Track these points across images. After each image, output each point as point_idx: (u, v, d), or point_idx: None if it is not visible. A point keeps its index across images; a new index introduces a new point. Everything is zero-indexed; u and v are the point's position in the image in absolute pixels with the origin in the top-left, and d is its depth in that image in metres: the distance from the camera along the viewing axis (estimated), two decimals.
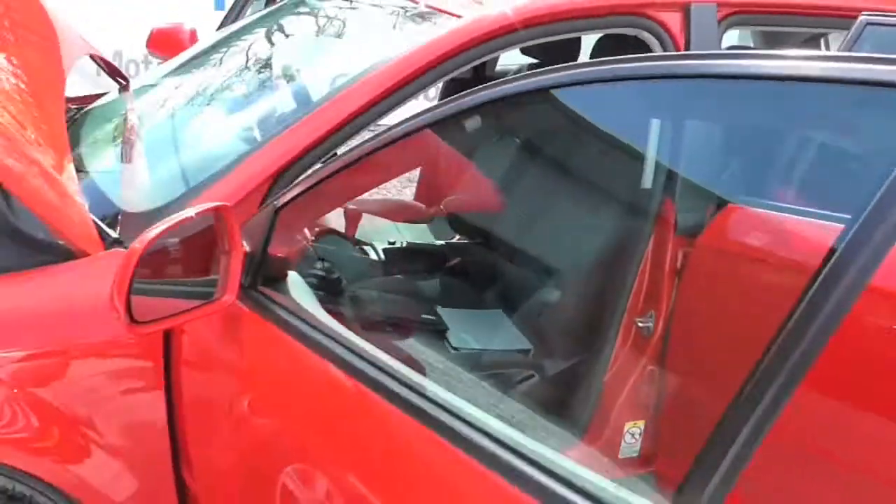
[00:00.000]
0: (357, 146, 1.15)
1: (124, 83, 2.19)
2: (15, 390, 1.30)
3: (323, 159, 1.39)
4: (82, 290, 1.31)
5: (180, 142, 1.66)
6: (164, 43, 2.57)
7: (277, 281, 1.22)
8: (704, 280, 1.48)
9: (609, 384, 1.55)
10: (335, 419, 1.05)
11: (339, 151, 1.36)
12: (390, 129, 1.12)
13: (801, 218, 1.39)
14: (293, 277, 1.24)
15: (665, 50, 1.59)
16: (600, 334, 1.57)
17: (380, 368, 1.00)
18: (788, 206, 1.38)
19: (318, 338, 1.08)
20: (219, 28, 2.72)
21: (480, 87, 1.07)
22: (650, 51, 1.65)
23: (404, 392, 0.94)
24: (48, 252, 1.38)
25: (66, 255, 1.37)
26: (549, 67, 1.09)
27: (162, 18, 2.78)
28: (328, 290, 1.32)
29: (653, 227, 1.50)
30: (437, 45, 1.45)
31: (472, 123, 1.20)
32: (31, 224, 1.42)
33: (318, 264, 1.31)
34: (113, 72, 2.20)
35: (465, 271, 1.86)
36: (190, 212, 1.09)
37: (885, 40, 1.51)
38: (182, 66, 2.00)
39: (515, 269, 1.74)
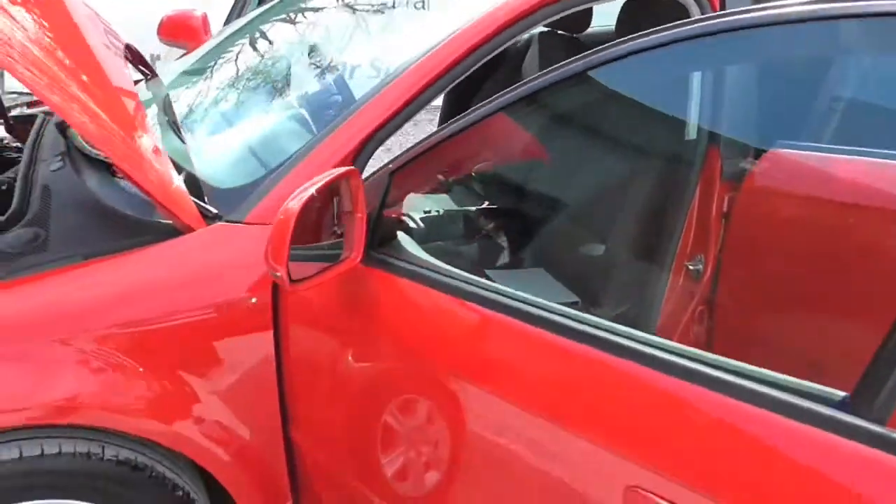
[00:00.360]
0: (468, 113, 1.26)
1: (150, 75, 2.25)
2: (133, 359, 1.38)
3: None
4: (202, 262, 1.41)
5: (262, 118, 1.75)
6: (177, 30, 2.61)
7: (391, 240, 1.33)
8: (750, 222, 1.64)
9: (662, 327, 1.69)
10: (484, 352, 1.17)
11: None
12: (500, 96, 1.23)
13: (838, 157, 1.55)
14: (402, 236, 1.35)
15: (702, 9, 1.73)
16: (651, 280, 1.72)
17: (517, 299, 1.12)
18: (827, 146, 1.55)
19: (448, 281, 1.19)
20: (227, 21, 2.77)
21: (586, 54, 1.19)
22: (680, 11, 1.78)
23: (552, 317, 1.07)
24: (147, 232, 1.46)
25: (167, 232, 1.45)
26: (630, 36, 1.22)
27: (166, 6, 2.81)
28: (436, 244, 1.43)
29: (699, 176, 1.65)
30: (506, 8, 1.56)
31: None
32: (131, 204, 1.50)
33: (424, 223, 1.41)
34: (139, 61, 2.25)
35: (506, 231, 1.97)
36: (327, 176, 1.19)
37: None
38: (233, 43, 2.08)
39: (563, 225, 1.87)
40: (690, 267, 1.70)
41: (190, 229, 1.43)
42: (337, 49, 1.90)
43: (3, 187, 1.75)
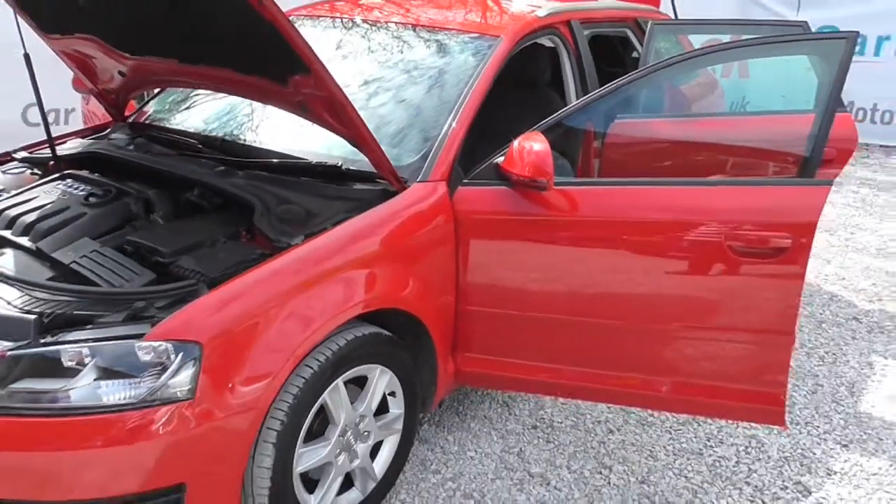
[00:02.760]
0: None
1: None
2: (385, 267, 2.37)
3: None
4: (415, 203, 2.45)
5: (411, 117, 2.73)
6: None
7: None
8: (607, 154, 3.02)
9: None
10: None
11: None
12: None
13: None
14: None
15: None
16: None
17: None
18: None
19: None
20: None
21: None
22: None
23: None
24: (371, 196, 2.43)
25: (383, 195, 2.43)
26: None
27: None
28: None
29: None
30: None
31: None
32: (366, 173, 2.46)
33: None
34: None
35: None
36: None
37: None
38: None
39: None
40: None
41: (402, 188, 2.43)
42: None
43: (97, 196, 2.52)
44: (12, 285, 2.09)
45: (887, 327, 4.04)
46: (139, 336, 1.92)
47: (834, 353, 3.73)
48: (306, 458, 2.22)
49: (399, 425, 2.51)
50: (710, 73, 4.65)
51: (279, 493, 2.14)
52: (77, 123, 6.02)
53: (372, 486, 2.46)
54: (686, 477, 2.77)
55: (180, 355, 1.91)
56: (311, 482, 2.31)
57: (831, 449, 2.97)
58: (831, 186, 2.28)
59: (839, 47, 2.36)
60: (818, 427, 3.11)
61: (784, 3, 8.83)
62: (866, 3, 8.53)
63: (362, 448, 2.38)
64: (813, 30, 8.98)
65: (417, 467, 2.73)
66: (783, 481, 2.77)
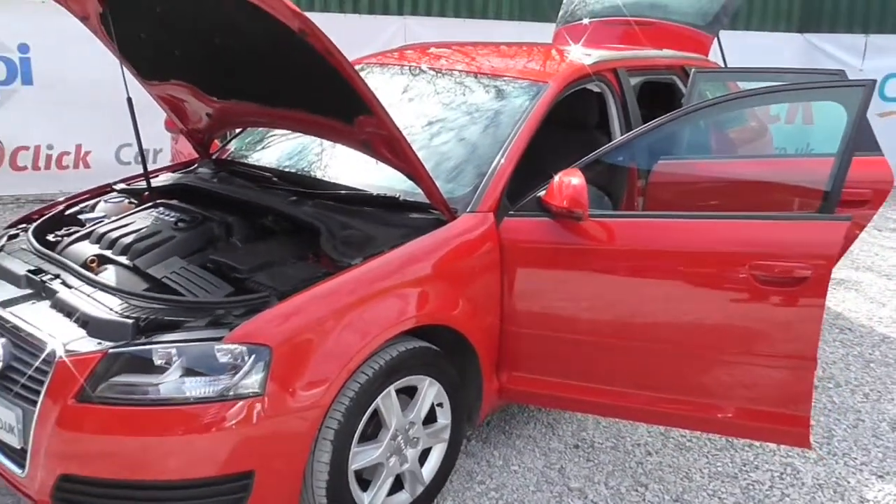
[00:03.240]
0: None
1: None
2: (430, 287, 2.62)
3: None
4: (464, 232, 2.70)
5: (460, 154, 3.01)
6: None
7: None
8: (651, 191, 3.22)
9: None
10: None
11: None
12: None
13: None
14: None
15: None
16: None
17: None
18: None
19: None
20: None
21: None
22: None
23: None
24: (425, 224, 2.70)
25: (436, 223, 2.69)
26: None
27: None
28: None
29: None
30: None
31: None
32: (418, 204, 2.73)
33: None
34: None
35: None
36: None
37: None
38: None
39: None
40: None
41: (452, 218, 2.70)
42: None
43: (185, 221, 2.85)
44: (114, 295, 2.42)
45: None
46: (219, 339, 2.21)
47: (879, 391, 3.81)
48: (360, 457, 2.46)
49: (446, 435, 2.73)
50: (760, 120, 4.82)
51: (335, 487, 2.38)
52: (162, 161, 6.53)
53: (420, 489, 2.68)
54: (719, 498, 2.91)
55: (253, 357, 2.20)
56: (364, 482, 2.55)
57: (867, 479, 3.06)
58: (849, 221, 2.44)
59: (857, 94, 2.54)
60: (855, 458, 3.20)
61: (850, 52, 8.91)
62: None
63: (412, 453, 2.62)
64: (879, 79, 9.02)
65: (464, 478, 2.94)
66: None
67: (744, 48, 8.34)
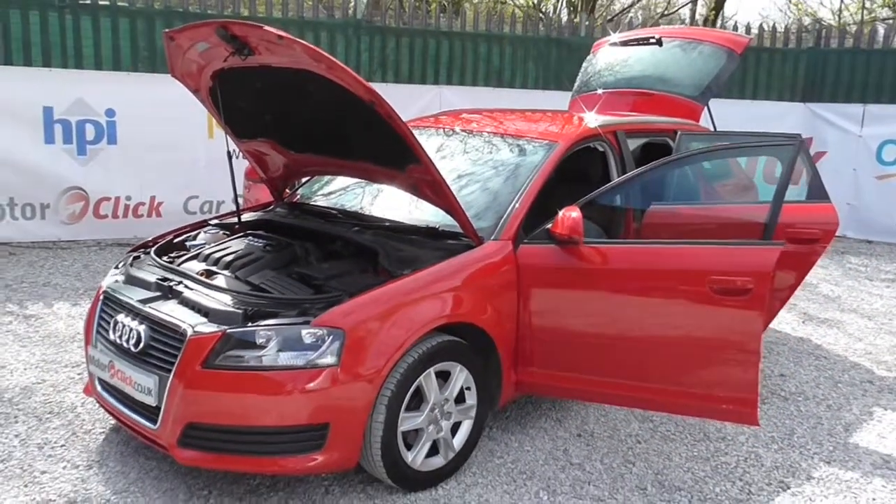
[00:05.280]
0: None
1: None
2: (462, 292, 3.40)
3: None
4: (489, 256, 3.49)
5: (487, 191, 3.82)
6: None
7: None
8: (644, 229, 4.00)
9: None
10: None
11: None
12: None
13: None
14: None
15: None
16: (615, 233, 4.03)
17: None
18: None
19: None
20: None
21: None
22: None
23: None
24: (458, 248, 3.49)
25: (465, 247, 3.49)
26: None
27: None
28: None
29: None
30: None
31: None
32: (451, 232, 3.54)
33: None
34: None
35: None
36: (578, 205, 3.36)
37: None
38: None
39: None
40: None
41: (480, 244, 3.50)
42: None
43: (272, 246, 3.67)
44: (227, 294, 3.23)
45: None
46: (306, 323, 3.01)
47: (840, 404, 4.48)
48: (407, 422, 3.21)
49: (473, 413, 3.48)
50: (747, 175, 5.61)
51: (388, 443, 3.13)
52: (225, 210, 7.44)
53: (451, 455, 3.42)
54: (693, 472, 3.60)
55: (331, 337, 2.99)
56: (408, 445, 3.28)
57: (816, 464, 3.73)
58: (781, 247, 3.20)
59: (790, 150, 3.33)
60: (810, 449, 3.88)
61: (850, 120, 9.69)
62: None
63: (445, 424, 3.36)
64: (876, 145, 9.76)
65: (486, 454, 3.67)
66: (769, 481, 3.56)
67: (750, 115, 9.22)
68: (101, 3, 7.80)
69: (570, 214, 3.42)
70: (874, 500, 3.43)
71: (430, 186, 3.45)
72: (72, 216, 7.58)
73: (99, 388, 3.48)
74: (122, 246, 7.60)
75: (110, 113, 7.59)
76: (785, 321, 6.00)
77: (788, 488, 3.50)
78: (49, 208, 7.50)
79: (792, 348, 5.44)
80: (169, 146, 7.70)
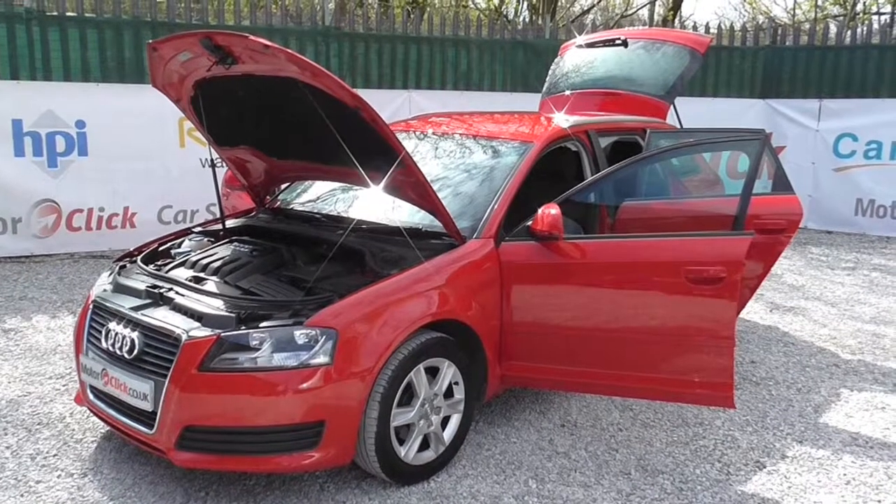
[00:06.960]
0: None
1: None
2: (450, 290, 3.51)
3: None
4: (472, 253, 3.60)
5: (468, 194, 3.92)
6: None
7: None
8: (617, 224, 4.14)
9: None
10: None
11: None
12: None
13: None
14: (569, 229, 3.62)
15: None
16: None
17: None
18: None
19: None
20: None
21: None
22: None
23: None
24: (442, 247, 3.60)
25: (448, 247, 3.60)
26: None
27: None
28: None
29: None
30: None
31: None
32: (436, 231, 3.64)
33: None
34: None
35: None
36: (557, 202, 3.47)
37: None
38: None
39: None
40: None
41: (462, 242, 3.61)
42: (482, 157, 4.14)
43: (258, 250, 3.75)
44: (219, 299, 3.30)
45: (861, 371, 4.95)
46: (299, 324, 3.09)
47: (809, 387, 4.67)
48: (399, 417, 3.31)
49: (461, 407, 3.58)
50: (712, 172, 5.80)
51: (381, 438, 3.22)
52: (198, 220, 7.48)
53: (442, 448, 3.52)
54: (674, 457, 3.74)
55: (324, 337, 3.07)
56: (400, 441, 3.37)
57: (789, 444, 3.90)
58: (752, 237, 3.35)
59: (756, 144, 3.49)
60: (782, 430, 4.05)
61: (807, 115, 10.00)
62: (881, 113, 9.62)
63: (435, 419, 3.46)
64: (832, 138, 10.07)
65: (474, 447, 3.77)
66: (746, 461, 3.71)
67: (711, 113, 9.46)
68: (68, 14, 7.79)
69: (550, 212, 3.54)
70: (845, 475, 3.60)
71: (414, 188, 3.55)
72: (44, 229, 7.54)
73: (91, 396, 3.52)
74: (97, 258, 7.59)
75: (80, 124, 7.57)
76: (753, 311, 6.20)
77: (764, 467, 3.65)
78: (21, 222, 7.45)
79: (761, 336, 5.63)
80: (141, 156, 7.70)
